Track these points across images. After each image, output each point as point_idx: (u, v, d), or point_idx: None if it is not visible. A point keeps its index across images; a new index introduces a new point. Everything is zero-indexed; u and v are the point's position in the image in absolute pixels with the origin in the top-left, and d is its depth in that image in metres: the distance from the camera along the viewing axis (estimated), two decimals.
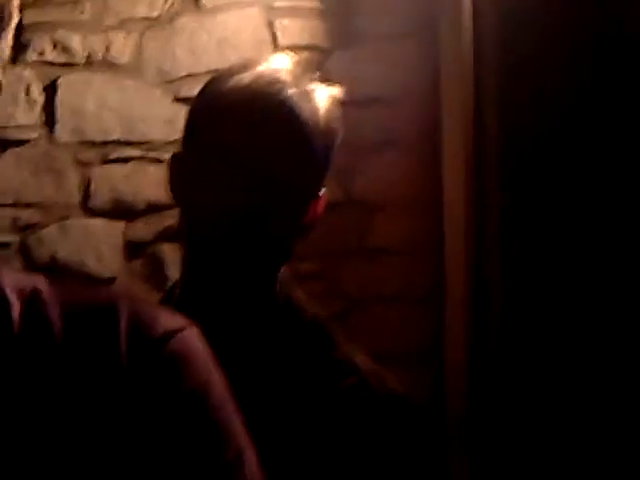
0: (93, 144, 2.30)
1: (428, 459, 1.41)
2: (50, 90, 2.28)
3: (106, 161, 2.30)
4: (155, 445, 0.81)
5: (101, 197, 2.30)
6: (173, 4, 2.32)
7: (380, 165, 2.40)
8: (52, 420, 0.80)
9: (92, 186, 2.30)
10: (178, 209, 1.32)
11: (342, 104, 1.32)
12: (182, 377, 0.83)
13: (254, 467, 0.86)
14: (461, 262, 2.34)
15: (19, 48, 2.22)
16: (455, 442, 2.31)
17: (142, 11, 2.31)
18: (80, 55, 2.30)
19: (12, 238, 2.25)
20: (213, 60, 2.32)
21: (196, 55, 2.34)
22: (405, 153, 2.40)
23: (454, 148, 2.36)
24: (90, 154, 2.30)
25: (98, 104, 2.30)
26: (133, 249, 2.32)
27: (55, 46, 2.28)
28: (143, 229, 2.32)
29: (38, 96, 2.27)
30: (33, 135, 2.26)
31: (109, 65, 2.31)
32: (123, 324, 0.83)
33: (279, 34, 2.38)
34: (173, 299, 1.33)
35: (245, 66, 1.30)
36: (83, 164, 2.30)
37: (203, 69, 2.31)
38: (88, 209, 2.30)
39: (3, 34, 0.82)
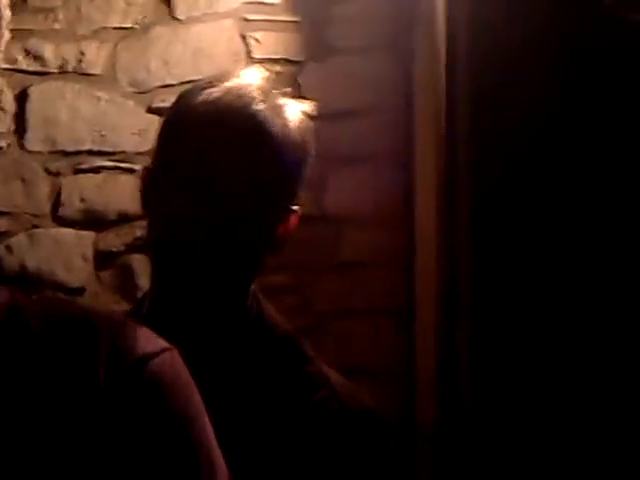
0: (64, 153, 2.29)
1: (396, 474, 1.41)
2: (22, 98, 2.27)
3: (77, 171, 2.29)
4: (129, 463, 0.81)
5: (71, 207, 2.29)
6: (147, 15, 2.32)
7: (352, 179, 2.40)
8: (27, 440, 0.79)
9: (63, 195, 2.29)
10: (147, 221, 1.32)
11: (314, 117, 1.32)
12: (158, 401, 0.83)
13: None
14: (432, 276, 2.35)
15: None
16: (424, 456, 2.31)
17: (116, 21, 2.31)
18: (53, 64, 2.29)
19: None
20: (187, 71, 2.32)
21: (170, 66, 2.33)
22: (377, 167, 2.40)
23: (426, 162, 2.37)
24: (61, 163, 2.29)
25: (70, 113, 2.29)
26: (103, 259, 2.31)
27: (28, 54, 2.27)
28: (114, 239, 2.31)
29: (9, 104, 2.26)
30: (3, 143, 2.25)
31: (82, 75, 2.30)
32: (103, 345, 0.82)
33: (253, 46, 2.38)
34: (142, 310, 1.32)
35: (217, 80, 1.30)
36: (54, 173, 2.29)
37: (177, 80, 2.31)
38: (58, 218, 2.29)
39: None
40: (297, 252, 1.38)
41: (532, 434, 2.34)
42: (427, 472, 2.31)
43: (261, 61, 2.35)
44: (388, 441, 1.33)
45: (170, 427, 0.83)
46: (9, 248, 2.25)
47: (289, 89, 1.33)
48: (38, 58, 2.28)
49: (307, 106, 1.32)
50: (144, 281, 2.28)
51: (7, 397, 0.80)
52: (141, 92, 2.32)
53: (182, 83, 2.32)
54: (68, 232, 2.29)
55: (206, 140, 1.24)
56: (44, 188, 2.28)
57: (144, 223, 2.27)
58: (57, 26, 2.28)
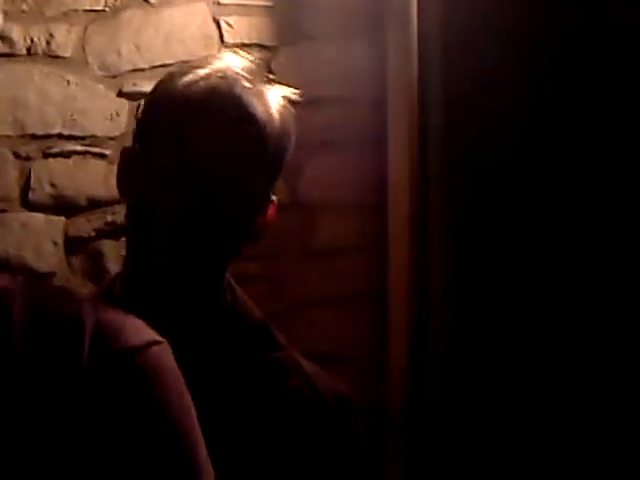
0: (34, 137, 2.26)
1: (367, 461, 1.41)
2: None
3: (47, 155, 2.27)
4: (111, 457, 0.79)
5: (41, 192, 2.27)
6: None
7: (324, 166, 2.39)
8: (8, 428, 0.77)
9: (32, 180, 2.26)
10: (125, 203, 1.30)
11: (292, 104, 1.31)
12: (141, 393, 0.81)
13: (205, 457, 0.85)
14: (405, 263, 2.34)
15: None
16: (393, 443, 2.32)
17: (86, 3, 2.28)
18: (21, 46, 2.26)
19: None
20: (159, 55, 2.30)
21: (141, 50, 2.31)
22: (350, 154, 2.40)
23: (399, 149, 2.36)
24: (30, 148, 2.26)
25: (39, 97, 2.26)
26: (73, 245, 2.29)
27: None
28: (84, 225, 2.29)
29: None
30: None
31: (51, 57, 2.27)
32: (87, 335, 0.80)
33: (226, 31, 2.36)
34: (114, 293, 1.31)
35: (199, 63, 1.30)
36: (23, 158, 2.26)
37: (148, 64, 2.29)
38: (27, 203, 2.26)
39: None
40: (270, 239, 1.36)
41: (500, 422, 2.35)
42: (397, 459, 2.32)
43: (234, 46, 2.34)
44: (360, 428, 1.33)
45: (149, 421, 0.81)
46: None
47: (270, 74, 1.32)
48: (5, 39, 2.25)
49: (289, 92, 1.31)
50: (114, 266, 2.27)
51: None
52: (112, 76, 2.30)
53: (153, 67, 2.31)
54: (38, 217, 2.27)
55: (190, 123, 1.24)
56: (13, 172, 2.25)
57: (114, 208, 2.28)
58: (25, 7, 2.25)
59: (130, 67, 2.30)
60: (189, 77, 1.26)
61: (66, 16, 2.27)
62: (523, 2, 2.39)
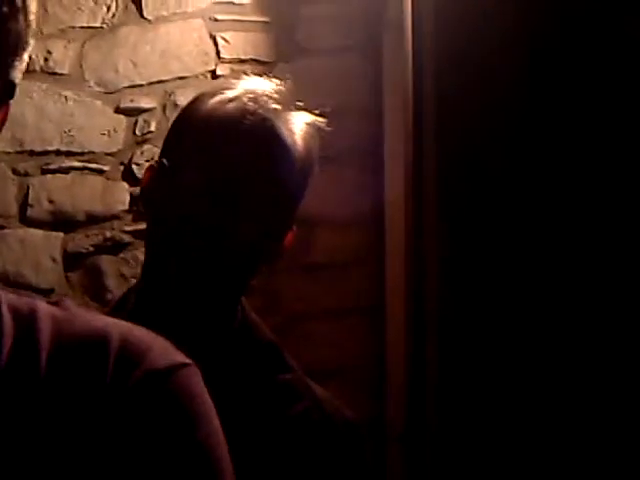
0: (32, 154, 2.27)
1: None
2: None
3: (45, 171, 2.28)
4: (137, 478, 0.76)
5: (40, 208, 2.27)
6: (115, 14, 2.31)
7: (321, 180, 2.39)
8: (33, 455, 0.75)
9: (30, 196, 2.27)
10: (149, 218, 1.31)
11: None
12: (171, 415, 0.78)
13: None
14: (401, 277, 2.35)
15: None
16: (393, 456, 2.32)
17: (83, 20, 2.29)
18: None
19: None
20: (155, 71, 2.31)
21: (138, 66, 2.32)
22: (346, 168, 2.41)
23: (396, 162, 2.37)
24: (28, 164, 2.27)
25: (37, 113, 2.27)
26: (72, 260, 2.29)
27: None
28: (82, 240, 2.30)
29: None
30: None
31: (49, 74, 2.28)
32: (112, 358, 0.78)
33: (222, 46, 2.37)
34: (128, 306, 1.31)
35: (230, 85, 1.31)
36: (21, 174, 2.27)
37: (145, 80, 2.30)
38: (26, 219, 2.27)
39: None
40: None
41: (498, 432, 2.35)
42: (396, 471, 2.32)
43: (230, 61, 2.35)
44: (367, 454, 1.33)
45: (177, 444, 0.77)
46: None
47: (299, 101, 1.34)
48: None
49: (315, 118, 1.33)
50: (113, 282, 2.27)
51: (11, 409, 0.76)
52: (109, 92, 2.31)
53: (150, 83, 2.32)
54: (36, 233, 2.27)
55: (219, 142, 1.24)
56: (12, 188, 2.26)
57: (113, 224, 2.28)
58: None
59: (127, 83, 2.31)
60: (219, 97, 1.27)
61: (63, 33, 2.28)
62: (512, 12, 2.41)
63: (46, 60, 2.28)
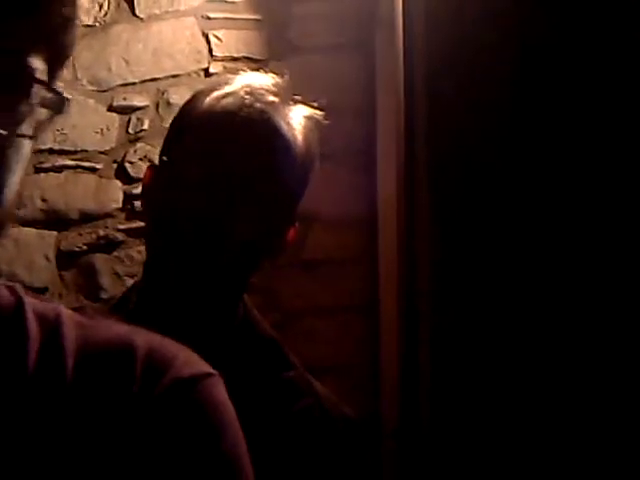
0: None
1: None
2: None
3: (38, 170, 2.28)
4: None
5: (33, 206, 2.27)
6: (108, 12, 2.31)
7: (315, 177, 2.40)
8: (61, 461, 0.75)
9: (24, 195, 2.27)
10: (150, 217, 1.30)
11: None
12: (195, 425, 0.78)
13: None
14: (394, 274, 2.36)
15: None
16: (388, 453, 2.33)
17: None
18: None
19: None
20: (148, 69, 2.31)
21: (131, 64, 2.32)
22: (340, 166, 2.41)
23: (388, 161, 2.38)
24: None
25: None
26: (65, 259, 2.29)
27: None
28: (76, 239, 2.30)
29: None
30: None
31: None
32: (138, 366, 0.78)
33: (215, 44, 2.37)
34: (129, 305, 1.31)
35: (227, 80, 1.30)
36: None
37: (138, 78, 2.30)
38: (19, 218, 2.27)
39: None
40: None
41: (493, 431, 2.36)
42: (391, 468, 2.33)
43: (223, 59, 2.35)
44: (367, 451, 1.33)
45: (203, 454, 0.78)
46: None
47: (297, 95, 1.33)
48: None
49: (313, 112, 1.33)
50: (106, 280, 2.27)
51: (38, 417, 0.76)
52: (102, 90, 2.31)
53: (143, 81, 2.32)
54: (30, 232, 2.27)
55: (217, 137, 1.24)
56: None
57: (107, 222, 2.28)
58: None
59: (120, 81, 2.31)
60: (217, 93, 1.27)
61: None
62: (504, 11, 2.41)
63: None
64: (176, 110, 1.34)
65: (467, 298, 2.39)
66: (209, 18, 2.37)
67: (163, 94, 2.33)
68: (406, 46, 2.38)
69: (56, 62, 0.77)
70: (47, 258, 2.28)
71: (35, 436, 0.76)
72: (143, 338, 0.81)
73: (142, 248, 2.18)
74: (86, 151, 2.30)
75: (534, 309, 2.38)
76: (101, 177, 2.29)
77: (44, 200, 2.28)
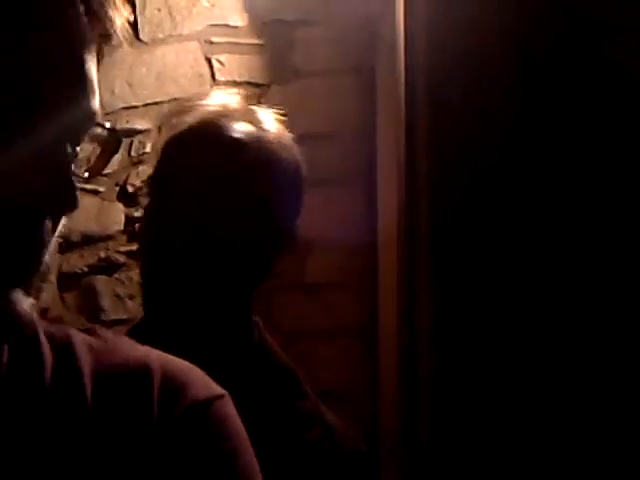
0: None
1: None
2: None
3: None
4: None
5: None
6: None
7: (315, 201, 2.41)
8: None
9: None
10: (139, 260, 1.31)
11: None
12: (213, 446, 0.80)
13: None
14: (393, 298, 2.36)
15: None
16: (387, 475, 2.32)
17: None
18: None
19: None
20: (151, 93, 2.33)
21: (134, 87, 2.34)
22: (341, 189, 2.42)
23: (389, 186, 2.39)
24: None
25: None
26: (67, 280, 2.30)
27: None
28: (77, 261, 2.30)
29: None
30: None
31: None
32: (156, 389, 0.79)
33: (217, 69, 2.39)
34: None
35: (189, 105, 1.32)
36: None
37: (141, 102, 2.31)
38: None
39: None
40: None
41: (492, 448, 2.36)
42: None
43: (225, 84, 2.37)
44: None
45: (222, 475, 0.79)
46: None
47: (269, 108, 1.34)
48: None
49: (280, 128, 1.33)
50: (107, 302, 2.28)
51: (57, 438, 0.77)
52: (105, 113, 2.32)
53: (146, 105, 2.33)
54: None
55: (179, 163, 1.25)
56: None
57: (108, 244, 2.29)
58: None
59: (123, 104, 2.32)
60: (180, 128, 1.29)
61: None
62: (504, 26, 2.43)
63: None
64: None
65: (468, 321, 2.40)
66: (212, 42, 2.38)
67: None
68: (408, 70, 2.39)
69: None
70: (48, 279, 2.29)
71: (59, 457, 0.76)
72: (158, 360, 0.82)
73: None
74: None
75: (536, 330, 2.39)
76: (103, 199, 2.30)
77: None
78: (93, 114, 0.75)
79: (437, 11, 2.37)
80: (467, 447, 2.36)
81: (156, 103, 2.32)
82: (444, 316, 2.40)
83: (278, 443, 1.25)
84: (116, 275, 2.31)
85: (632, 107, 2.35)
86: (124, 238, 2.31)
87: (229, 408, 0.82)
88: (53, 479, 0.75)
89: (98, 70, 0.71)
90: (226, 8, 2.37)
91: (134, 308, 2.19)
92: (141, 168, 2.32)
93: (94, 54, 0.77)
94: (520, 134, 2.43)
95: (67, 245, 2.29)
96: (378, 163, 2.40)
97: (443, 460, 2.36)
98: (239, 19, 2.39)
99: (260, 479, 0.82)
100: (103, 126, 0.77)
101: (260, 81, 2.40)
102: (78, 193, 0.75)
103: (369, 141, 2.41)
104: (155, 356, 0.83)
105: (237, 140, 1.26)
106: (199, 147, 1.26)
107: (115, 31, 0.77)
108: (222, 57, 2.39)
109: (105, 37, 0.78)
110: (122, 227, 2.31)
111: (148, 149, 2.33)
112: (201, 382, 0.82)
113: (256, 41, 2.40)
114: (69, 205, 0.74)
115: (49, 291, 2.29)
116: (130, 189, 2.32)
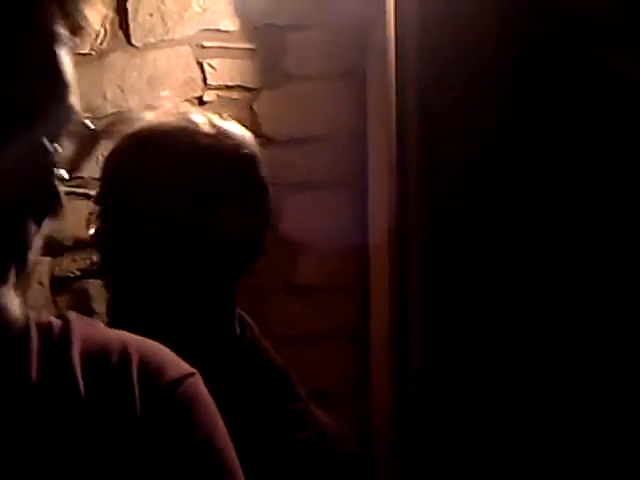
0: None
1: None
2: None
3: None
4: None
5: None
6: (103, 41, 2.33)
7: (306, 204, 2.42)
8: (68, 470, 0.78)
9: None
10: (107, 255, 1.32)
11: (269, 143, 1.34)
12: (190, 422, 0.82)
13: None
14: (385, 300, 2.37)
15: None
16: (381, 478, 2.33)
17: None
18: None
19: None
20: (143, 98, 2.33)
21: (125, 92, 2.34)
22: (332, 193, 2.43)
23: (380, 189, 2.40)
24: None
25: None
26: (59, 284, 2.30)
27: None
28: (70, 265, 2.31)
29: None
30: None
31: None
32: (134, 370, 0.82)
33: (209, 73, 2.40)
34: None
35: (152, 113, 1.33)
36: None
37: (132, 106, 2.32)
38: None
39: None
40: (252, 276, 1.39)
41: (487, 456, 2.36)
42: None
43: (217, 88, 2.38)
44: None
45: (200, 454, 0.82)
46: None
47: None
48: None
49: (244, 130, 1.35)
50: (100, 306, 2.28)
51: (46, 422, 0.78)
52: (97, 118, 2.33)
53: (138, 110, 2.34)
54: None
55: (125, 170, 1.27)
56: None
57: None
58: None
59: (115, 109, 2.33)
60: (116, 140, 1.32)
61: None
62: (496, 30, 2.44)
63: None
64: None
65: (459, 325, 2.40)
66: (204, 47, 2.39)
67: None
68: (399, 75, 2.40)
69: None
70: (41, 283, 2.29)
71: (48, 440, 0.78)
72: (134, 342, 0.85)
73: None
74: (81, 178, 2.31)
75: (528, 335, 2.39)
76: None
77: None
78: (74, 113, 0.76)
79: (428, 16, 2.38)
80: (460, 448, 2.36)
81: (148, 107, 2.33)
82: (436, 318, 2.41)
83: (271, 445, 1.25)
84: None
85: (627, 106, 2.36)
86: None
87: (200, 385, 0.85)
88: (49, 463, 0.77)
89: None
90: (218, 13, 2.38)
91: None
92: None
93: (70, 53, 0.78)
94: (512, 137, 2.44)
95: (59, 249, 2.30)
96: (369, 166, 2.41)
97: (436, 461, 2.37)
98: (231, 24, 2.40)
99: (233, 449, 0.85)
100: (85, 125, 0.79)
101: (252, 85, 2.41)
102: (62, 192, 0.76)
103: (361, 144, 2.42)
104: (130, 338, 0.86)
105: (169, 138, 1.27)
106: (138, 156, 1.28)
107: (89, 31, 0.79)
108: (214, 61, 2.40)
109: (81, 35, 0.79)
110: None
111: None
112: (174, 361, 0.85)
113: (248, 45, 2.41)
114: (53, 204, 0.75)
115: (41, 295, 2.30)
116: None
